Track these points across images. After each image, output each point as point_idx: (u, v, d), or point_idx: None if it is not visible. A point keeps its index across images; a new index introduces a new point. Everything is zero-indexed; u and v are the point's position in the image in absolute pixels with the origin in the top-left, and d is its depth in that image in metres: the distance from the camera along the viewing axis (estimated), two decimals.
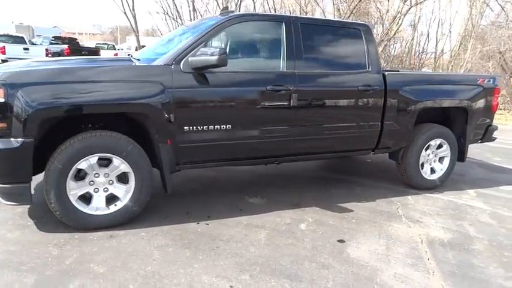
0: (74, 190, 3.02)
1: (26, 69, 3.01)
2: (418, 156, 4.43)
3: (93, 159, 3.01)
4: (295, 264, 2.79)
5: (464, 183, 5.00)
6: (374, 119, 4.06)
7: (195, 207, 3.66)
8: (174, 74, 3.18)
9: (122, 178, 3.18)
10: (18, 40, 17.25)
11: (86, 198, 3.11)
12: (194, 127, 3.29)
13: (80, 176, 3.05)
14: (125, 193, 3.17)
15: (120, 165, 3.10)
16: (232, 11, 3.71)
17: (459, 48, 18.15)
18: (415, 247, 3.17)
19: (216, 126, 3.37)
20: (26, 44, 17.07)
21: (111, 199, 3.18)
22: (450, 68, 18.05)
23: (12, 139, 2.77)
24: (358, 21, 4.95)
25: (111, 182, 3.14)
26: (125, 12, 15.41)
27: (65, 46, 17.63)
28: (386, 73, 4.13)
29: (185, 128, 3.25)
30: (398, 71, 5.81)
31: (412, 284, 2.65)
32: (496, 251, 3.18)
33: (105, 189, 3.14)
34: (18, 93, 2.73)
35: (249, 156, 3.67)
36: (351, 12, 14.98)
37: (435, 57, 18.96)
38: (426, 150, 4.50)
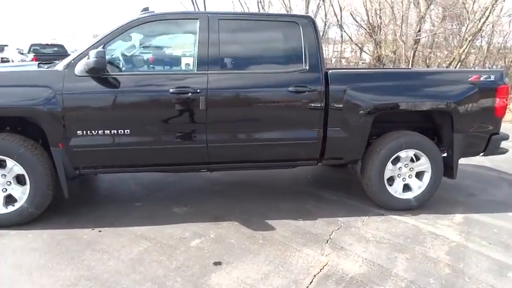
0: None
1: None
2: (382, 170, 3.69)
3: None
4: (134, 284, 2.53)
5: (463, 205, 4.02)
6: (313, 124, 3.50)
7: (108, 214, 3.59)
8: (66, 78, 3.16)
9: (22, 180, 3.27)
10: None
11: None
12: (88, 131, 3.22)
13: None
14: (21, 194, 3.25)
15: (13, 167, 3.19)
16: (152, 11, 3.56)
17: None
18: (300, 280, 2.62)
19: (112, 131, 3.25)
20: None
21: (14, 200, 3.29)
22: None
23: None
24: (298, 14, 4.36)
25: (8, 182, 3.25)
26: None
27: None
28: (329, 71, 3.54)
29: (78, 132, 3.21)
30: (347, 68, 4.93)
31: None
32: None
33: (4, 189, 3.26)
34: None
35: (157, 163, 3.47)
36: (428, 6, 13.43)
37: None
38: (395, 163, 3.72)
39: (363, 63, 18.75)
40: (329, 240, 3.20)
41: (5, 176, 3.23)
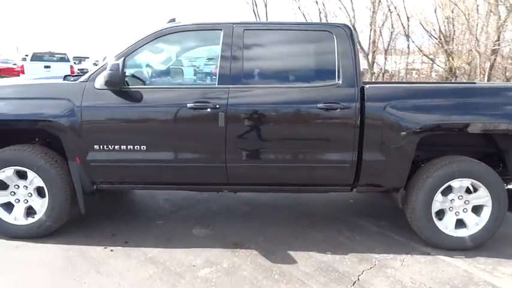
0: None
1: None
2: (430, 202, 3.15)
3: (10, 171, 3.17)
4: None
5: None
6: (345, 146, 3.09)
7: (126, 231, 3.46)
8: (85, 91, 3.10)
9: (42, 192, 3.25)
10: None
11: (11, 207, 3.29)
12: (105, 146, 3.12)
13: (6, 185, 3.25)
14: (40, 207, 3.23)
15: (33, 178, 3.19)
16: (178, 22, 3.42)
17: None
18: None
19: (129, 147, 3.12)
20: None
21: (35, 212, 3.28)
22: None
23: None
24: (332, 22, 3.93)
25: (29, 194, 3.25)
26: None
27: None
28: (366, 86, 3.11)
29: (95, 146, 3.12)
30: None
31: None
32: None
33: (25, 200, 3.26)
34: None
35: (174, 181, 3.27)
36: (509, 12, 12.07)
37: None
38: (446, 194, 3.16)
39: (436, 75, 17.49)
40: (356, 282, 2.76)
41: (27, 187, 3.23)
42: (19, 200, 3.27)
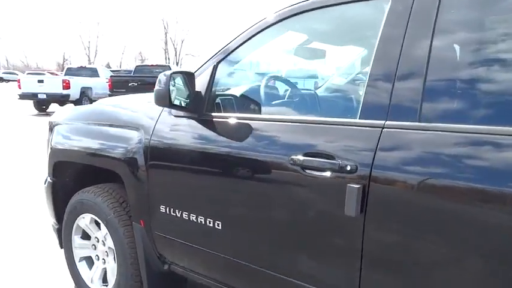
0: (77, 249, 2.53)
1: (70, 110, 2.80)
2: None
3: (88, 218, 2.41)
4: None
5: None
6: None
7: None
8: (160, 118, 2.00)
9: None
10: None
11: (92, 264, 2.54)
12: (171, 209, 1.92)
13: (89, 236, 2.52)
14: (111, 275, 2.35)
15: (106, 234, 2.32)
16: None
17: None
18: None
19: (199, 218, 1.80)
20: None
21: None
22: None
23: (47, 176, 2.69)
24: None
25: (106, 253, 2.41)
26: None
27: None
28: None
29: (161, 207, 1.96)
30: None
31: None
32: None
33: (103, 260, 2.44)
34: (53, 132, 2.62)
35: None
36: None
37: None
38: None
39: None
40: None
41: (104, 243, 2.40)
42: (98, 258, 2.48)
